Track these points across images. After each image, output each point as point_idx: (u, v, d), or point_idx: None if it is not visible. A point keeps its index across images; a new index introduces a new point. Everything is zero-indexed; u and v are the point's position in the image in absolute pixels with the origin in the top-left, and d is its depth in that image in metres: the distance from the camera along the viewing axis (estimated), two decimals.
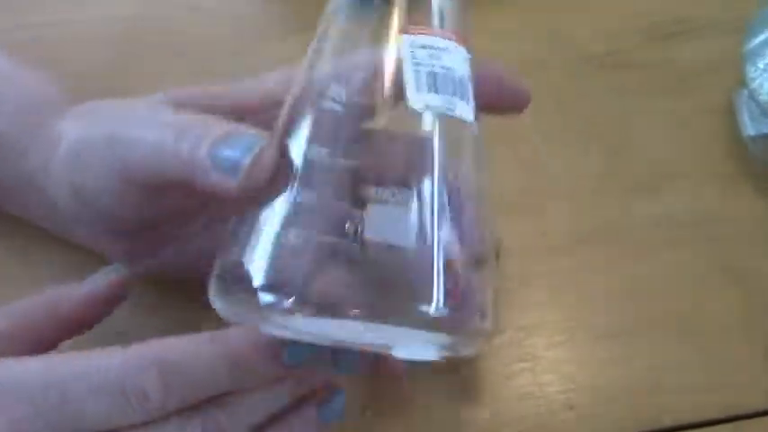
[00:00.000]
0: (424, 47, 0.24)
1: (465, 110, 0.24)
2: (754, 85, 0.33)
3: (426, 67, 0.24)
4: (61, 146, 0.29)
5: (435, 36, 0.25)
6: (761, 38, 0.34)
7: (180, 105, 0.28)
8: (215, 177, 0.24)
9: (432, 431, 0.30)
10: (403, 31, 0.24)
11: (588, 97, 0.38)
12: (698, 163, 0.36)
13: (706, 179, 0.36)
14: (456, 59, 0.25)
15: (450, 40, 0.25)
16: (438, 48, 0.25)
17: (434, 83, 0.24)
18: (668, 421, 0.31)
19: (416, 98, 0.24)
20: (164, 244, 0.30)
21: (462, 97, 0.24)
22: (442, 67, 0.24)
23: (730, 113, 0.36)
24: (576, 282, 0.33)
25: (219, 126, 0.25)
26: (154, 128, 0.26)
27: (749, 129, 0.35)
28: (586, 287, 0.33)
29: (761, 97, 0.33)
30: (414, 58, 0.24)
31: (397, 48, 0.24)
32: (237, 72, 0.29)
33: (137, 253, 0.30)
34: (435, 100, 0.24)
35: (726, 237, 0.34)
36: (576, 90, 0.38)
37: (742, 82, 0.34)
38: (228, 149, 0.24)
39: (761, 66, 0.33)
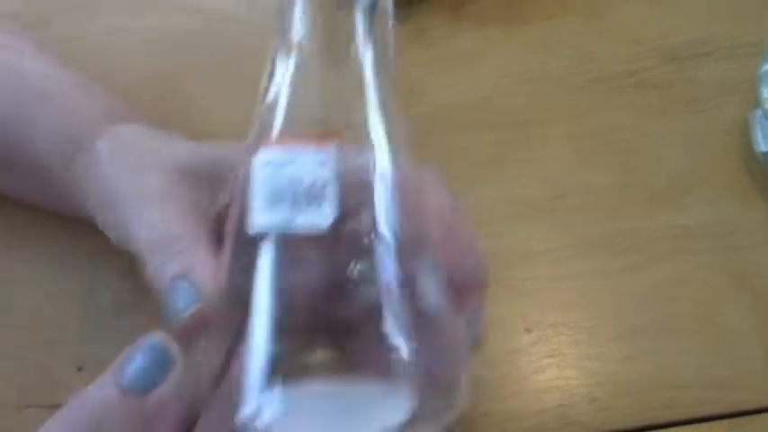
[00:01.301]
0: (268, 163, 0.24)
1: (313, 215, 0.23)
2: (767, 105, 0.36)
3: (266, 185, 0.24)
4: (89, 178, 0.32)
5: (284, 149, 0.24)
6: None
7: (191, 174, 0.31)
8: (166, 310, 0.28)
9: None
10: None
11: (611, 113, 0.40)
12: (714, 177, 0.38)
13: (721, 192, 0.38)
14: (308, 165, 0.23)
15: (305, 145, 0.24)
16: (285, 161, 0.24)
17: (270, 200, 0.24)
18: (681, 415, 0.33)
19: (255, 220, 0.24)
20: None
21: (308, 203, 0.23)
22: (288, 180, 0.23)
23: (745, 131, 0.38)
24: (599, 284, 0.36)
25: (178, 262, 0.28)
26: (149, 227, 0.29)
27: (762, 146, 0.37)
28: (609, 290, 0.36)
29: None
30: (258, 177, 0.24)
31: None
32: None
33: None
34: (274, 217, 0.23)
35: (739, 246, 0.36)
36: (600, 106, 0.41)
37: (756, 102, 0.37)
38: (175, 296, 0.27)
39: None
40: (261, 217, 0.23)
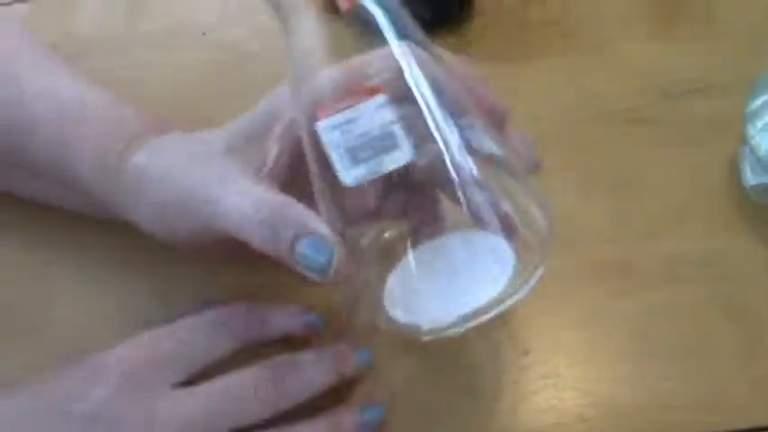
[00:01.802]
0: (333, 127, 0.27)
1: (396, 156, 0.27)
2: (754, 142, 0.38)
3: (341, 146, 0.27)
4: (142, 190, 0.33)
5: (343, 112, 0.27)
6: (760, 100, 0.38)
7: (238, 151, 0.33)
8: (299, 269, 0.29)
9: None
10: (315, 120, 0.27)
11: (609, 147, 0.42)
12: (705, 209, 0.40)
13: (712, 223, 0.39)
14: (368, 121, 0.27)
15: (359, 103, 0.27)
16: (348, 121, 0.27)
17: (352, 158, 0.27)
18: None
19: (346, 176, 0.27)
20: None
21: (387, 149, 0.27)
22: (357, 138, 0.27)
23: (734, 165, 0.40)
24: (596, 309, 0.38)
25: (297, 222, 0.29)
26: (232, 195, 0.30)
27: (750, 179, 0.39)
28: (605, 314, 0.38)
29: (759, 153, 0.37)
30: (329, 141, 0.27)
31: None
32: None
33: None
34: (360, 171, 0.27)
35: (727, 276, 0.38)
36: (599, 140, 0.43)
37: (744, 138, 0.39)
38: (314, 253, 0.28)
39: (759, 125, 0.38)
40: (350, 174, 0.27)
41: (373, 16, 0.28)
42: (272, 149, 0.32)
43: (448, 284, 0.29)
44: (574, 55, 0.46)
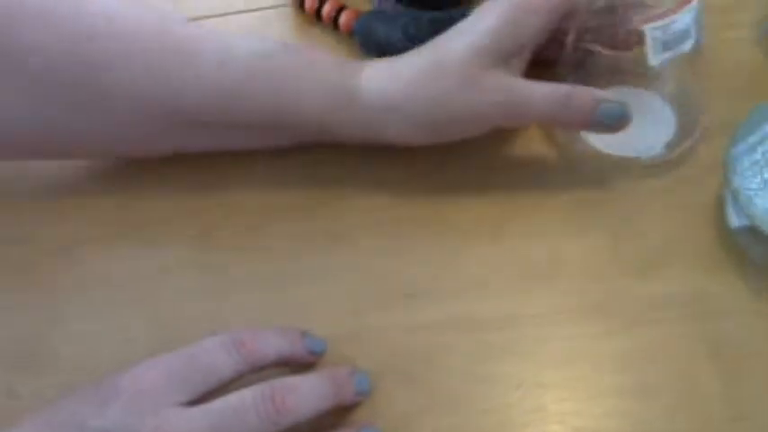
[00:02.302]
0: (659, 29, 0.40)
1: (686, 45, 0.41)
2: (735, 186, 0.39)
3: (659, 39, 0.40)
4: (395, 115, 0.41)
5: (665, 18, 0.40)
6: (741, 146, 0.40)
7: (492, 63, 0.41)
8: (594, 127, 0.42)
9: None
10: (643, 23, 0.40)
11: (596, 188, 0.44)
12: (691, 249, 0.41)
13: (697, 264, 0.41)
14: (682, 21, 0.40)
15: (677, 13, 0.40)
16: (668, 23, 0.40)
17: (664, 47, 0.40)
18: None
19: (654, 60, 0.41)
20: None
21: (682, 41, 0.41)
22: (672, 33, 0.40)
23: (720, 207, 0.42)
24: (583, 346, 0.39)
25: (592, 93, 0.41)
26: (535, 89, 0.41)
27: (734, 221, 0.40)
28: (591, 351, 0.39)
29: (740, 197, 0.39)
30: (652, 36, 0.40)
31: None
32: None
33: None
34: (666, 55, 0.41)
35: (710, 315, 0.39)
36: (586, 181, 0.44)
37: (726, 183, 0.40)
38: (611, 110, 0.41)
39: (739, 170, 0.39)
40: (657, 58, 0.41)
41: None
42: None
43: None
44: None
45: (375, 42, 0.50)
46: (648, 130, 0.44)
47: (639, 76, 0.44)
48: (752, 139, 0.39)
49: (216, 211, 0.45)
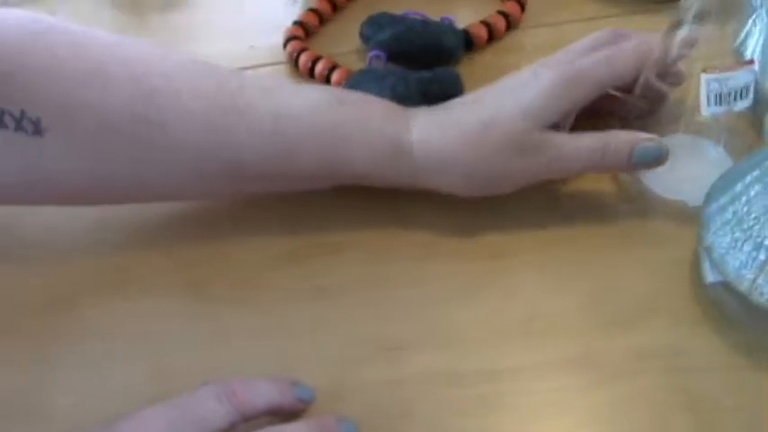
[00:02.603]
0: (715, 80, 0.42)
1: (740, 104, 0.43)
2: (708, 243, 0.41)
3: (714, 91, 0.42)
4: (445, 167, 0.44)
5: (725, 72, 0.42)
6: (714, 206, 0.41)
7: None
8: (633, 169, 0.45)
9: None
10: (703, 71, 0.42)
11: (576, 245, 0.46)
12: (668, 304, 0.43)
13: (674, 318, 0.42)
14: (741, 78, 0.42)
15: (735, 71, 0.42)
16: (726, 78, 0.42)
17: (717, 100, 0.42)
18: None
19: (706, 111, 0.43)
20: None
21: (738, 99, 0.42)
22: (728, 89, 0.42)
23: (696, 263, 0.43)
24: (563, 398, 0.40)
25: (628, 137, 0.44)
26: (570, 141, 0.44)
27: (709, 277, 0.41)
28: (572, 403, 0.40)
29: (713, 254, 0.40)
30: (707, 87, 0.42)
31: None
32: None
33: None
34: (719, 109, 0.42)
35: (687, 369, 0.40)
36: (566, 238, 0.46)
37: (700, 241, 0.42)
38: (647, 151, 0.43)
39: (713, 229, 0.41)
40: (709, 110, 0.43)
41: None
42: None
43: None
44: None
45: None
46: (705, 176, 0.44)
47: (696, 124, 0.46)
48: (723, 200, 0.40)
49: (209, 263, 0.47)
